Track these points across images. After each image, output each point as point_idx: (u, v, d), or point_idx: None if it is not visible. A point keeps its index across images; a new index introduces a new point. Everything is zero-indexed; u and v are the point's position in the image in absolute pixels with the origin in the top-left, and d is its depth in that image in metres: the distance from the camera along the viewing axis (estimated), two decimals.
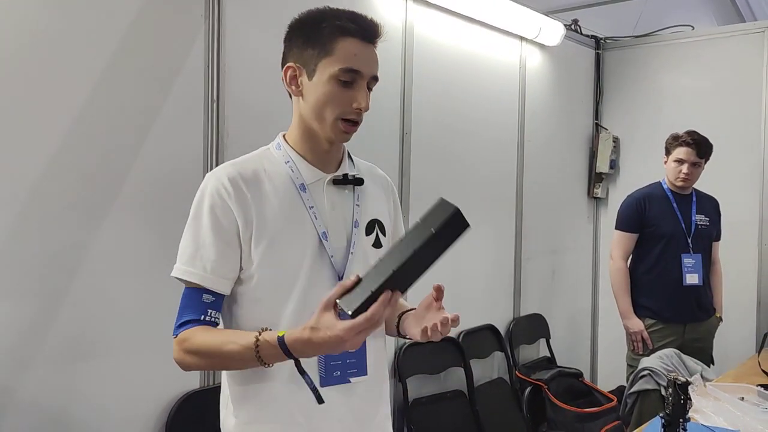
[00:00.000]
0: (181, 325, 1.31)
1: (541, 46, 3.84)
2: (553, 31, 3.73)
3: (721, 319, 3.40)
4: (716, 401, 2.25)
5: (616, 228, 3.40)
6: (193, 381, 2.29)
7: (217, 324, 1.32)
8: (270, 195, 1.33)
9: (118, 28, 2.08)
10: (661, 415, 1.72)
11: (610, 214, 4.20)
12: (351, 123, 1.32)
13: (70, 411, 2.00)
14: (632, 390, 2.76)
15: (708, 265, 3.33)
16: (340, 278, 1.35)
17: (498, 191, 3.66)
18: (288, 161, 1.37)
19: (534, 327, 3.85)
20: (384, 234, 1.47)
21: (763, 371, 2.74)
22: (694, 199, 3.33)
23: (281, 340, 1.19)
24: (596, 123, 4.39)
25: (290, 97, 1.39)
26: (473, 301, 3.49)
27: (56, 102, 1.96)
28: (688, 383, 1.69)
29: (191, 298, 1.32)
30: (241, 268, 1.33)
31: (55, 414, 1.97)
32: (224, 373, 1.41)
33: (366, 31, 1.31)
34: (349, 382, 1.36)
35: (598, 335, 4.46)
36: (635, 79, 4.28)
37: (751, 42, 3.84)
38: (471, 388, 3.17)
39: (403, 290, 1.18)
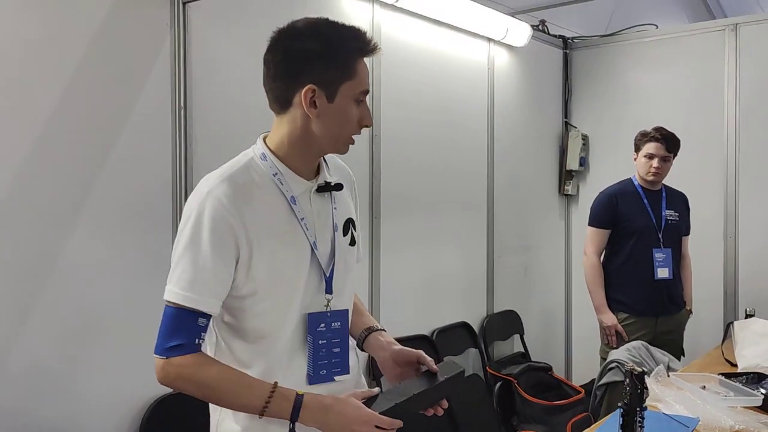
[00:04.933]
0: (174, 348, 1.28)
1: (509, 46, 3.90)
2: (520, 32, 3.79)
3: (691, 312, 3.48)
4: (679, 390, 2.31)
5: (589, 224, 3.46)
6: None
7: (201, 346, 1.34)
8: (264, 210, 1.34)
9: (84, 37, 2.10)
10: (619, 404, 1.77)
11: (581, 211, 4.28)
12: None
13: (42, 415, 2.02)
14: (601, 382, 2.82)
15: (678, 259, 3.40)
16: (328, 283, 1.41)
17: (469, 190, 3.71)
18: (276, 173, 1.37)
19: (508, 323, 3.91)
20: (355, 229, 1.51)
21: (726, 360, 2.81)
22: (664, 194, 3.39)
23: (300, 397, 1.28)
24: (565, 121, 4.47)
25: (279, 112, 1.38)
26: (446, 298, 3.54)
27: (24, 111, 1.98)
28: (644, 373, 1.74)
29: (185, 320, 1.30)
30: (236, 286, 1.33)
31: (28, 419, 1.99)
32: None
33: (373, 49, 1.35)
34: (334, 380, 1.42)
35: (572, 330, 4.53)
36: (603, 78, 4.36)
37: (713, 40, 3.93)
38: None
39: (416, 410, 1.38)
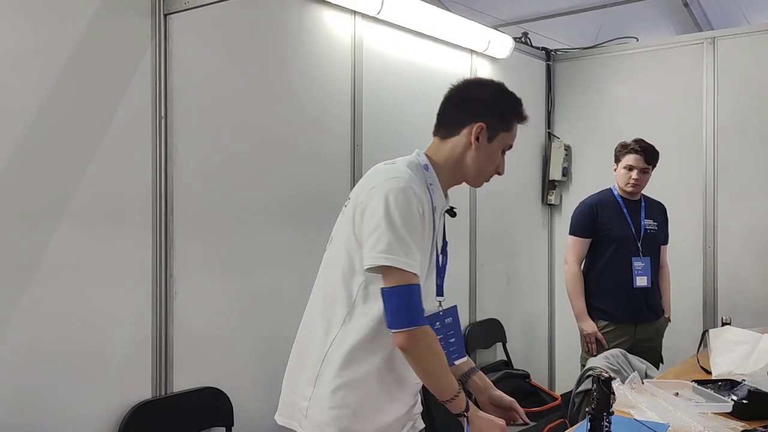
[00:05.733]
0: (419, 318, 1.55)
1: (492, 58, 3.94)
2: (502, 44, 3.84)
3: (669, 320, 3.53)
4: (652, 397, 2.35)
5: (570, 233, 3.51)
6: (144, 391, 2.33)
7: None
8: (425, 209, 1.63)
9: (67, 47, 2.13)
10: (587, 409, 1.81)
11: (564, 220, 4.32)
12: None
13: (17, 422, 2.03)
14: (579, 389, 2.85)
15: (656, 268, 3.46)
16: (440, 287, 1.74)
17: (451, 199, 3.73)
18: (432, 184, 1.69)
19: (490, 331, 3.93)
20: None
21: (702, 368, 2.85)
22: (643, 204, 3.45)
23: (468, 401, 1.66)
24: (548, 132, 4.52)
25: (445, 136, 1.74)
26: None
27: (5, 118, 2.01)
28: (611, 378, 1.78)
29: (417, 294, 1.55)
30: None
31: (2, 426, 2.00)
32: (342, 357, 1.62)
33: (526, 118, 1.76)
34: (454, 364, 1.77)
35: (555, 338, 4.57)
36: (585, 90, 4.42)
37: (691, 53, 4.00)
38: (426, 391, 3.23)
39: None
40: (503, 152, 1.75)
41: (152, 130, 2.34)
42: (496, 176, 1.79)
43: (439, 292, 1.73)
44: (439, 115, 1.78)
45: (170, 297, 2.38)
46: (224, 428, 2.52)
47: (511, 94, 1.76)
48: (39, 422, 2.07)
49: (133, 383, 2.30)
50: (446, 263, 1.77)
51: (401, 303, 1.53)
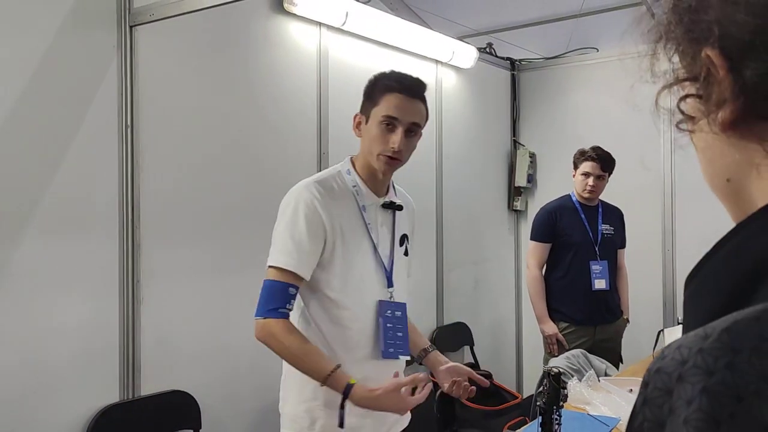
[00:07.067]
0: (271, 311, 1.65)
1: (456, 68, 4.04)
2: (467, 55, 3.93)
3: (628, 321, 3.63)
4: (607, 394, 2.44)
5: (531, 238, 3.62)
6: (112, 394, 2.36)
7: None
8: (343, 210, 1.74)
9: (34, 58, 2.17)
10: (539, 403, 1.89)
11: (529, 226, 4.37)
12: (389, 158, 1.73)
13: None
14: (540, 390, 2.93)
15: (614, 271, 3.57)
16: (389, 278, 1.82)
17: (418, 206, 3.80)
18: (355, 185, 1.78)
19: (457, 335, 4.01)
20: (409, 243, 1.94)
21: None
22: (600, 210, 3.56)
23: (348, 387, 1.63)
24: (514, 140, 4.62)
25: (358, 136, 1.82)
26: None
27: None
28: (560, 373, 1.86)
29: (279, 289, 1.66)
30: (326, 263, 1.71)
31: None
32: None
33: (407, 88, 1.73)
34: (398, 358, 1.84)
35: (522, 341, 4.65)
36: (549, 98, 4.52)
37: (648, 62, 4.12)
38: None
39: None
40: (389, 127, 1.71)
41: (119, 138, 2.38)
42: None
43: (389, 283, 1.82)
44: None
45: (137, 302, 2.42)
46: (191, 431, 2.56)
47: (387, 73, 1.79)
48: (4, 427, 2.09)
49: (101, 387, 2.33)
50: (395, 257, 1.85)
51: (261, 295, 1.67)
